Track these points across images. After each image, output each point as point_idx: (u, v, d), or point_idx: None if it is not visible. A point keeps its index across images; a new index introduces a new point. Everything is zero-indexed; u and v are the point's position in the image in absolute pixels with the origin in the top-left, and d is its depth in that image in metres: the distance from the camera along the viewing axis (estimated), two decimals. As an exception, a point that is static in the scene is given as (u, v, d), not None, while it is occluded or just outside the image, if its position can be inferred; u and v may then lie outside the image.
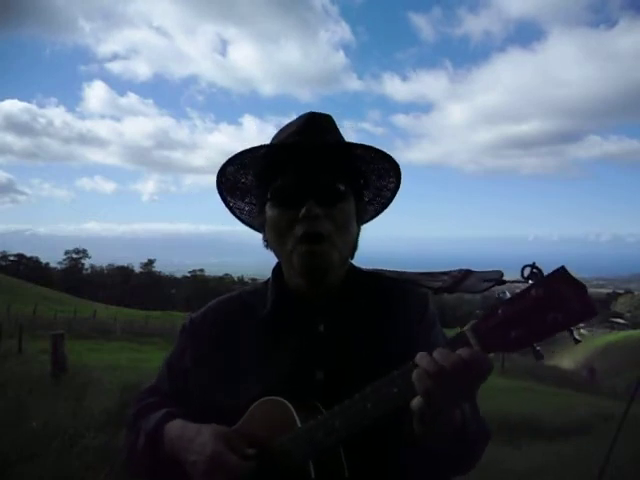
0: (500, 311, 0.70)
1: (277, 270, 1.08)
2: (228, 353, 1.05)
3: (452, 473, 0.97)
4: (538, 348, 0.69)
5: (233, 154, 0.99)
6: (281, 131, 1.04)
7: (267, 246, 1.05)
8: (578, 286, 0.66)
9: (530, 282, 0.69)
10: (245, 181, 1.06)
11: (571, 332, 0.67)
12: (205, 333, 1.08)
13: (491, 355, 0.72)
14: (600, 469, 3.55)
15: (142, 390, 1.13)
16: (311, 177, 0.96)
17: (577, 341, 0.66)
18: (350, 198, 1.00)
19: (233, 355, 1.04)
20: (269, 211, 1.00)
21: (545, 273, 0.68)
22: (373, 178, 1.06)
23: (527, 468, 5.25)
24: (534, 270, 0.69)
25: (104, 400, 5.86)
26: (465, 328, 0.73)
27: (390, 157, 1.01)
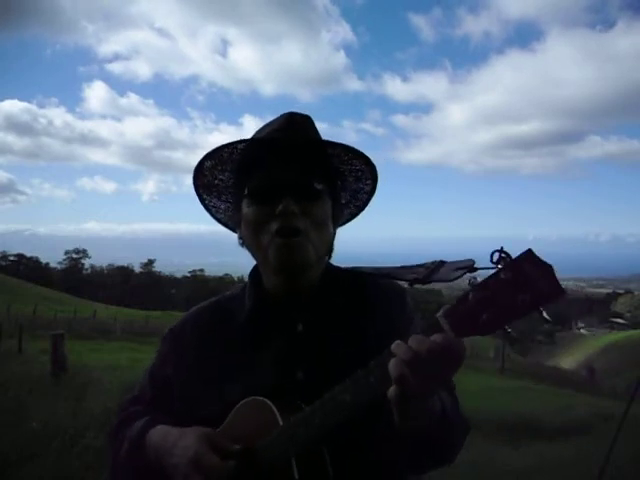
0: (471, 296, 0.71)
1: (254, 273, 1.08)
2: (209, 358, 1.04)
3: (433, 464, 0.97)
4: (509, 330, 0.70)
5: (211, 149, 0.99)
6: (261, 129, 1.03)
7: (242, 244, 1.04)
8: (545, 267, 0.67)
9: (499, 267, 0.69)
10: (223, 178, 1.05)
11: (540, 312, 0.67)
12: (185, 340, 1.09)
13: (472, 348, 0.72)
14: (600, 469, 3.55)
15: (124, 400, 1.13)
16: (289, 174, 0.95)
17: (547, 321, 0.67)
18: (326, 198, 1.00)
19: (214, 360, 1.04)
20: (245, 208, 0.99)
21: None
22: (350, 180, 1.06)
23: (527, 468, 5.26)
24: (502, 254, 0.70)
25: (104, 400, 5.86)
26: (438, 314, 0.74)
27: (368, 158, 1.00)
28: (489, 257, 0.71)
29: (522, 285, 0.67)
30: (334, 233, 1.04)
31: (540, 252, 0.69)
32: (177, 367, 1.07)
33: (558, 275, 0.70)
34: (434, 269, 0.83)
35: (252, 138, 1.00)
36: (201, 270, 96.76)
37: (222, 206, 1.11)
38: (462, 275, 0.78)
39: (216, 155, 1.00)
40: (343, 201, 1.08)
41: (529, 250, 0.68)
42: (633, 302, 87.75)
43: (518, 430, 6.87)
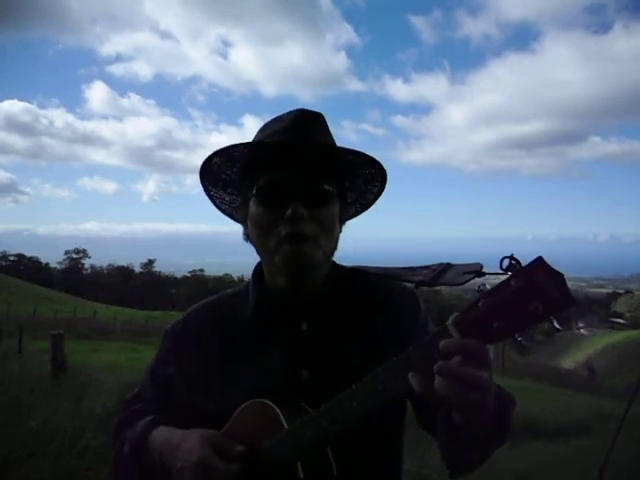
0: (480, 304, 0.69)
1: (257, 271, 1.07)
2: (212, 356, 1.04)
3: (490, 452, 0.88)
4: (520, 339, 0.68)
5: (221, 147, 0.98)
6: (269, 125, 1.01)
7: (247, 240, 1.04)
8: (557, 276, 0.65)
9: (509, 274, 0.68)
10: (230, 173, 1.05)
11: (551, 321, 0.66)
12: (188, 338, 1.08)
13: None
14: (600, 469, 3.55)
15: (125, 399, 1.13)
16: (299, 178, 0.95)
17: (557, 330, 0.65)
18: (335, 200, 0.99)
19: (217, 358, 1.03)
20: (253, 207, 0.98)
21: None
22: (359, 182, 1.05)
23: (526, 468, 5.26)
24: (512, 261, 0.68)
25: (104, 400, 5.85)
26: (447, 322, 0.72)
27: (379, 163, 1.00)
28: (499, 263, 0.68)
29: (534, 293, 0.65)
30: (340, 232, 1.04)
31: (539, 252, 0.68)
32: (179, 365, 1.06)
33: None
34: (441, 272, 0.82)
35: (265, 142, 0.98)
36: (201, 270, 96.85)
37: (227, 198, 1.10)
38: (470, 280, 0.77)
39: (226, 153, 0.99)
40: (349, 200, 1.07)
41: (540, 258, 0.67)
42: (633, 302, 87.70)
43: (517, 430, 6.85)
